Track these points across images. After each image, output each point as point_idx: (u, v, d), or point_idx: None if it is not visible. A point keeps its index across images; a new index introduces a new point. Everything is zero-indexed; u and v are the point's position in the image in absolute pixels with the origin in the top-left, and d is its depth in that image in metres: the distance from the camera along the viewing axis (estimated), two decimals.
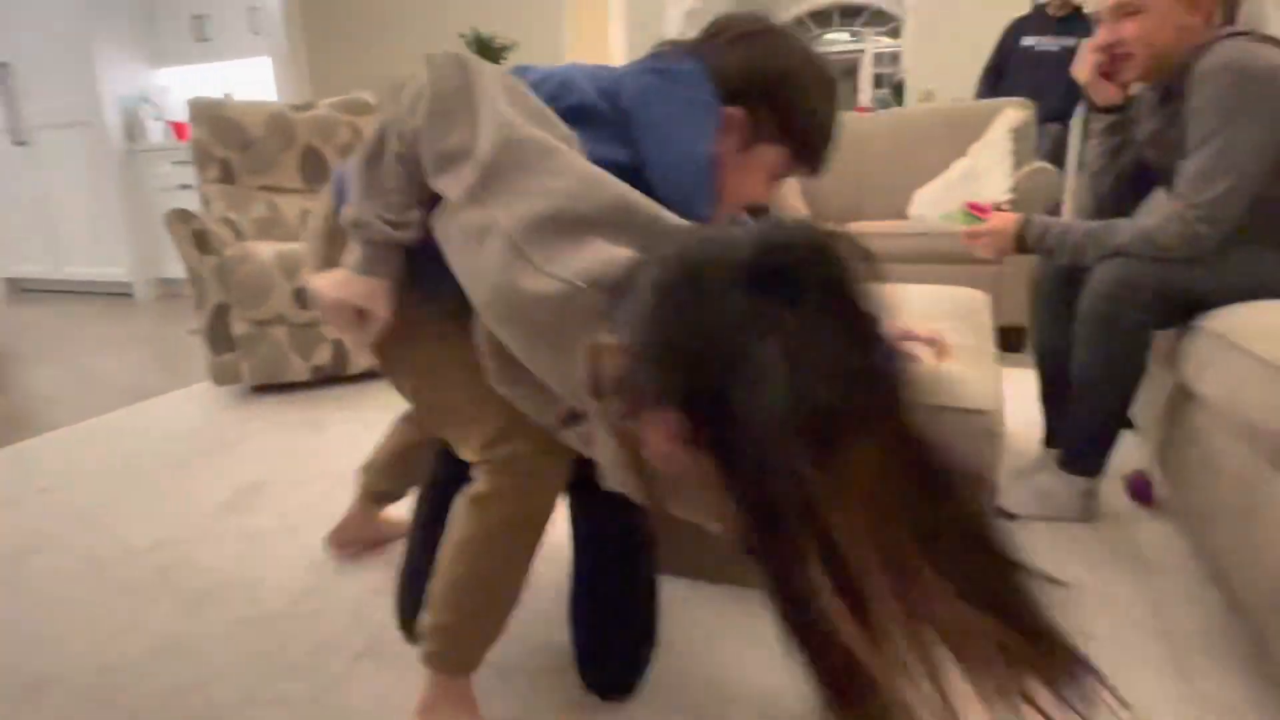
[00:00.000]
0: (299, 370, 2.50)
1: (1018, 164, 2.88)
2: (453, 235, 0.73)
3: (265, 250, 2.45)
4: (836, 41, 8.89)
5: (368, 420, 2.22)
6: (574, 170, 0.71)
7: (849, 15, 8.82)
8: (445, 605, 0.91)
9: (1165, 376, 1.43)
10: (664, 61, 0.91)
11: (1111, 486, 1.60)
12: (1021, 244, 1.45)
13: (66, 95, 4.42)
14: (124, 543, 1.53)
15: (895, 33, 8.32)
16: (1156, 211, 1.32)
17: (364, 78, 4.56)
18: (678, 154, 0.86)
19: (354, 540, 1.46)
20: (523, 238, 0.67)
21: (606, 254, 0.66)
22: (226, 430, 2.19)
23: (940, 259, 2.66)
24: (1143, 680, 1.04)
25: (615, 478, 0.79)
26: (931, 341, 1.03)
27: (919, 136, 3.14)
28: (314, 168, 2.92)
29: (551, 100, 0.84)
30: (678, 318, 0.56)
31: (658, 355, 0.57)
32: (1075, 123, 3.67)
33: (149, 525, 1.60)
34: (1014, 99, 3.07)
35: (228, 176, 2.80)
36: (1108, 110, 1.50)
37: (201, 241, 2.40)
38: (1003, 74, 3.68)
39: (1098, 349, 1.35)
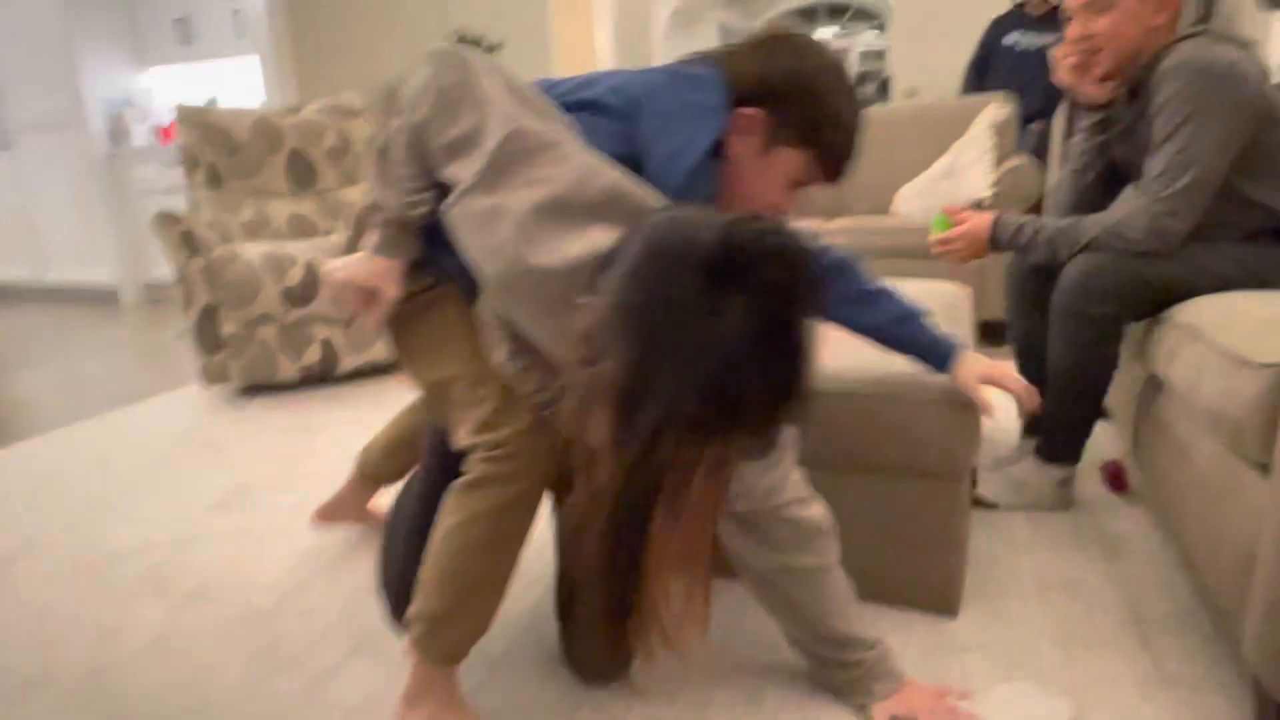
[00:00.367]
0: (288, 371, 2.51)
1: (999, 160, 2.92)
2: (464, 219, 0.80)
3: (253, 250, 2.45)
4: (822, 38, 8.93)
5: (357, 421, 2.23)
6: (574, 159, 0.79)
7: (835, 13, 8.87)
8: (435, 592, 0.92)
9: (1137, 368, 1.47)
10: (681, 66, 0.96)
11: (1088, 475, 1.64)
12: (995, 244, 1.48)
13: (49, 98, 4.40)
14: (112, 545, 1.54)
15: (881, 29, 8.37)
16: (1124, 207, 1.36)
17: (352, 78, 4.55)
18: (672, 149, 0.89)
19: (341, 517, 1.50)
20: (531, 220, 0.76)
21: (603, 234, 0.75)
22: (215, 432, 2.20)
23: (924, 255, 2.68)
24: (1113, 661, 1.08)
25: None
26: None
27: (902, 133, 3.17)
28: (301, 171, 2.93)
29: (566, 95, 0.91)
30: (639, 287, 0.66)
31: (618, 317, 0.67)
32: (1057, 119, 3.70)
33: (137, 527, 1.61)
34: (996, 95, 3.10)
35: (215, 180, 2.81)
36: (1093, 109, 1.52)
37: (189, 243, 2.41)
38: (986, 71, 3.71)
39: (1070, 342, 1.38)
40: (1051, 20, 3.58)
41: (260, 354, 2.46)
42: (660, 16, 6.07)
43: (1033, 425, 1.69)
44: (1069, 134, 1.55)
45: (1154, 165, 1.30)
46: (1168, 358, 1.23)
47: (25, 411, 2.49)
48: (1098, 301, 1.34)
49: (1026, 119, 3.40)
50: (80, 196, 4.51)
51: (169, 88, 4.72)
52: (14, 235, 4.77)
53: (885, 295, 1.07)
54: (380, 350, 2.63)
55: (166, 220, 2.42)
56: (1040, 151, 3.61)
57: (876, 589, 1.20)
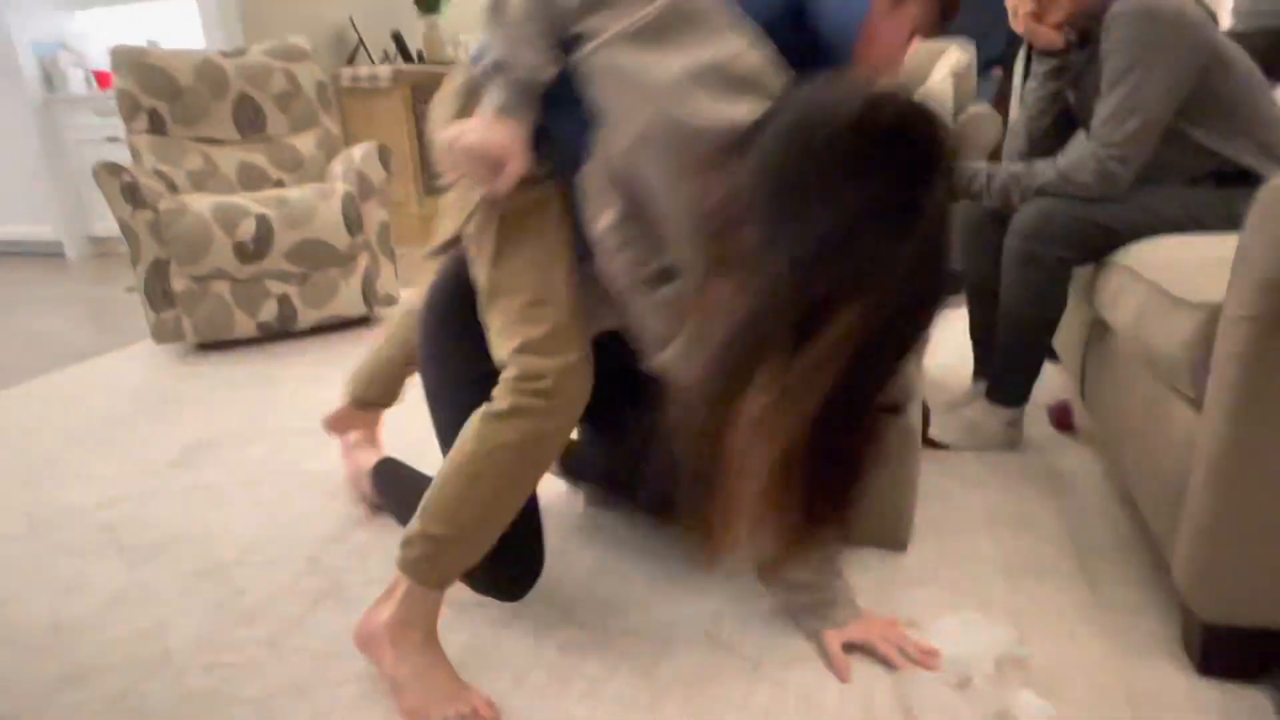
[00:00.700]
0: (245, 327, 2.46)
1: (959, 108, 2.92)
2: (610, 69, 0.80)
3: (202, 203, 2.37)
4: None
5: (320, 375, 2.20)
6: (733, 32, 0.81)
7: None
8: (442, 517, 0.91)
9: (1084, 310, 1.51)
10: None
11: (1036, 416, 1.69)
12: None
13: None
14: (68, 503, 1.51)
15: None
16: (1073, 152, 1.38)
17: (298, 21, 4.37)
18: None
19: (347, 428, 1.47)
20: (691, 79, 0.77)
21: (751, 108, 0.77)
22: (172, 389, 2.16)
23: None
24: (1055, 589, 1.13)
25: (663, 354, 0.89)
26: None
27: None
28: (250, 118, 2.82)
29: None
30: (785, 149, 0.69)
31: (762, 179, 0.69)
32: (1017, 65, 3.71)
33: (93, 485, 1.59)
34: (955, 40, 3.09)
35: (158, 127, 2.69)
36: (1048, 55, 1.53)
37: (133, 195, 2.32)
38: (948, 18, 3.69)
39: (1021, 285, 1.41)
40: None
41: (215, 310, 2.41)
42: None
43: (983, 367, 1.74)
44: (1027, 78, 1.57)
45: (1102, 110, 1.32)
46: (1112, 299, 1.26)
47: None
48: (1049, 244, 1.37)
49: (985, 66, 3.40)
50: (14, 147, 4.30)
51: (105, 30, 4.49)
52: None
53: None
54: (341, 304, 2.58)
55: (109, 171, 2.32)
56: (1000, 101, 3.62)
57: None
